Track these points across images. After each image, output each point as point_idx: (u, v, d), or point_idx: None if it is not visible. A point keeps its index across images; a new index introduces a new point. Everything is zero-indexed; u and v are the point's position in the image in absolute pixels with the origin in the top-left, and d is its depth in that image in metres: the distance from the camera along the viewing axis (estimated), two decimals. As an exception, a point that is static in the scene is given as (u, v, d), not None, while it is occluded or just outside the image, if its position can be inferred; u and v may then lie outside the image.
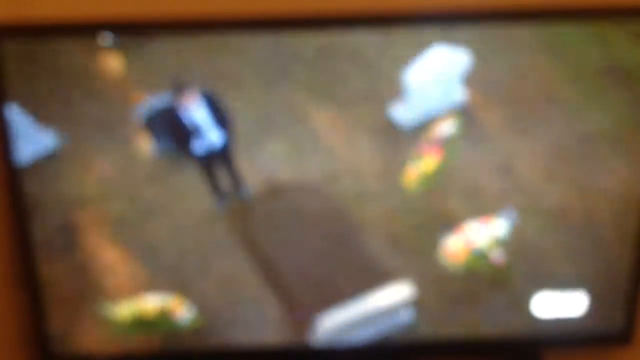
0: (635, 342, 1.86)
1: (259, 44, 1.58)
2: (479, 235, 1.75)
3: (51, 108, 1.59)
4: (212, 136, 1.68)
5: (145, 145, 1.68)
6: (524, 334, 1.84)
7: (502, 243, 1.75)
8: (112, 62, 1.57)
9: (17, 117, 1.56)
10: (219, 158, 1.72)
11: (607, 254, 1.76)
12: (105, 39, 1.53)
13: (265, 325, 1.82)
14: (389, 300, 1.81)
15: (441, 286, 1.80)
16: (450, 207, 1.74)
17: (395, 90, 1.65)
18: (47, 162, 1.62)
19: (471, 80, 1.63)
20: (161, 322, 1.77)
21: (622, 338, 1.84)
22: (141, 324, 1.76)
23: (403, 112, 1.68)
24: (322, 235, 1.79)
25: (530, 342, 1.86)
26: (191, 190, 1.73)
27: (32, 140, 1.59)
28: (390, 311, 1.82)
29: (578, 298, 1.80)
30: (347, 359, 1.90)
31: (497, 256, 1.77)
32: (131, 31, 1.55)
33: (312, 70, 1.64)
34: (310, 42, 1.60)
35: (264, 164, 1.71)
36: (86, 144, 1.63)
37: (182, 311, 1.77)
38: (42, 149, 1.61)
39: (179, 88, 1.62)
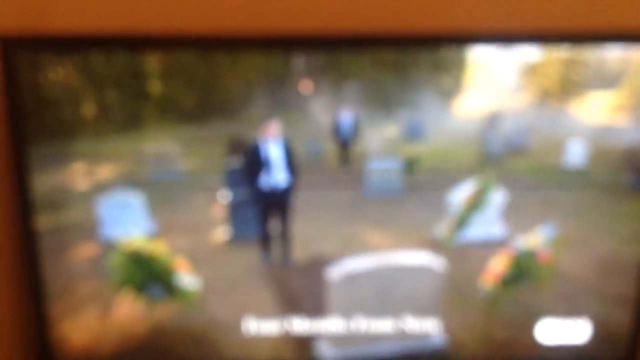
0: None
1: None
2: (522, 242, 1.85)
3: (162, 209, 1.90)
4: (279, 176, 1.93)
5: (221, 233, 2.01)
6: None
7: (548, 242, 1.83)
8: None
9: (137, 202, 1.87)
10: (278, 205, 1.94)
11: (611, 282, 1.79)
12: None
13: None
14: (409, 260, 1.83)
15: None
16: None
17: (440, 213, 1.94)
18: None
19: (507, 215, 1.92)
20: (160, 268, 1.82)
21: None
22: (138, 259, 1.80)
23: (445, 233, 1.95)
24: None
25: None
26: (244, 256, 1.98)
27: (137, 223, 1.89)
28: (411, 272, 1.82)
29: (582, 325, 1.79)
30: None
31: (544, 252, 1.82)
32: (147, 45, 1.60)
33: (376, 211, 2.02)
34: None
35: (314, 250, 1.96)
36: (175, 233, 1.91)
37: (186, 274, 1.83)
38: (141, 232, 1.88)
39: (265, 118, 1.83)
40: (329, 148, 2.00)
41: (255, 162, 1.91)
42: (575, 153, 1.83)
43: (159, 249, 1.81)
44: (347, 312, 1.77)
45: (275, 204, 1.93)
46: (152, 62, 1.66)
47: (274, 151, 1.89)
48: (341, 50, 1.62)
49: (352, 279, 1.76)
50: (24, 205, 1.59)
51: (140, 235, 1.80)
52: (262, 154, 1.90)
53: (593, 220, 1.88)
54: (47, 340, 1.72)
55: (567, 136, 1.82)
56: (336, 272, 1.77)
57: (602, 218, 1.87)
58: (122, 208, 1.81)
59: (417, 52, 1.71)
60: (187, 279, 1.83)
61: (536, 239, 1.83)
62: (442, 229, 1.95)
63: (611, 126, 1.76)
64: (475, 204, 1.95)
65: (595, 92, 1.74)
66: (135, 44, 1.55)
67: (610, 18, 1.47)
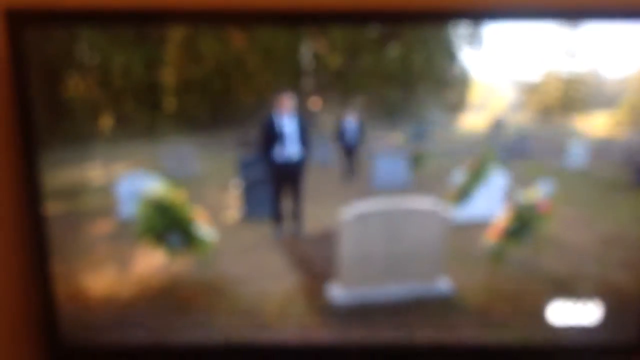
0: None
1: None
2: (522, 196, 1.94)
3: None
4: (292, 148, 2.02)
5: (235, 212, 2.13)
6: (539, 343, 1.81)
7: (547, 196, 1.90)
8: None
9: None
10: (291, 177, 2.04)
11: (624, 264, 1.82)
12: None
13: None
14: (417, 204, 1.90)
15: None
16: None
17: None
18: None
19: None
20: (180, 216, 1.90)
21: (637, 348, 1.77)
22: (160, 207, 1.88)
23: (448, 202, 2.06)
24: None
25: (546, 351, 1.81)
26: (255, 231, 2.09)
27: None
28: (418, 215, 1.90)
29: (594, 308, 1.79)
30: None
31: (543, 202, 1.90)
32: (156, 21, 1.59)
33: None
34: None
35: (324, 221, 2.07)
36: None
37: (205, 225, 1.92)
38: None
39: (279, 92, 1.94)
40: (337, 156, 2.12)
41: (269, 135, 2.01)
42: (577, 156, 1.93)
43: (180, 198, 1.89)
44: (358, 251, 1.85)
45: (288, 175, 2.03)
46: (168, 76, 1.79)
47: (287, 125, 1.99)
48: (350, 25, 1.71)
49: (363, 218, 1.84)
50: (35, 188, 1.63)
51: (162, 186, 1.88)
52: (276, 127, 2.00)
53: (595, 205, 2.00)
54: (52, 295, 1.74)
55: (569, 143, 1.92)
56: (349, 212, 1.85)
57: (604, 206, 1.98)
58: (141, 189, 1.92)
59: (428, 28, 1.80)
60: (204, 228, 1.92)
61: (536, 192, 1.92)
62: (445, 199, 2.03)
63: (611, 136, 1.87)
64: (476, 173, 2.04)
65: (595, 109, 1.86)
66: (148, 18, 1.54)
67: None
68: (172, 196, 1.89)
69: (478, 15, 1.55)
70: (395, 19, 1.57)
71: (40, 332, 1.80)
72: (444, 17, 1.57)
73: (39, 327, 1.80)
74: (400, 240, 1.87)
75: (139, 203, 1.88)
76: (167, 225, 1.90)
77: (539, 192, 1.91)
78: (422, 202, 1.91)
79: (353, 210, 1.86)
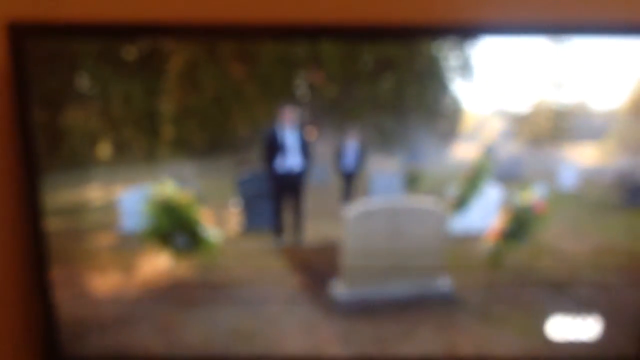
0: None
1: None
2: (518, 198, 1.99)
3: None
4: (294, 159, 2.08)
5: (237, 224, 2.14)
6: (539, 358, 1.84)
7: (542, 196, 1.96)
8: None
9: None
10: (292, 188, 2.09)
11: (623, 277, 1.85)
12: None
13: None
14: (418, 203, 1.98)
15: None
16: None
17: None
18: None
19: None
20: (187, 216, 1.94)
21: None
22: (167, 208, 1.92)
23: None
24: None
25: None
26: (257, 241, 2.11)
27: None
28: (419, 213, 1.97)
29: (593, 322, 1.81)
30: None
31: (538, 202, 1.95)
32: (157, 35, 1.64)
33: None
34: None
35: (323, 232, 2.11)
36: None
37: (211, 226, 1.96)
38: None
39: (282, 106, 2.01)
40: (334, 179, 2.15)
41: (271, 147, 2.06)
42: (569, 179, 2.00)
43: (186, 199, 1.93)
44: (361, 248, 1.91)
45: (289, 186, 2.07)
46: (168, 104, 1.85)
47: (289, 137, 2.04)
48: (351, 41, 1.76)
49: (367, 215, 1.90)
50: (35, 207, 1.68)
51: (169, 187, 1.92)
52: (279, 139, 2.05)
53: (587, 226, 2.05)
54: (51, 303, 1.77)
55: (560, 168, 1.99)
56: (352, 209, 1.92)
57: (595, 222, 2.04)
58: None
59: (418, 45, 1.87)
60: (210, 230, 1.95)
61: (531, 194, 1.98)
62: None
63: (602, 163, 1.95)
64: (472, 182, 2.08)
65: (585, 140, 1.94)
66: (150, 33, 1.60)
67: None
68: (178, 197, 1.92)
69: (471, 31, 1.65)
70: (383, 35, 1.66)
71: (40, 342, 1.82)
72: (436, 33, 1.67)
73: (39, 337, 1.82)
74: (402, 237, 1.92)
75: (146, 204, 1.91)
76: (174, 225, 1.93)
77: (534, 194, 1.97)
78: (422, 201, 1.98)
79: (357, 207, 1.93)
